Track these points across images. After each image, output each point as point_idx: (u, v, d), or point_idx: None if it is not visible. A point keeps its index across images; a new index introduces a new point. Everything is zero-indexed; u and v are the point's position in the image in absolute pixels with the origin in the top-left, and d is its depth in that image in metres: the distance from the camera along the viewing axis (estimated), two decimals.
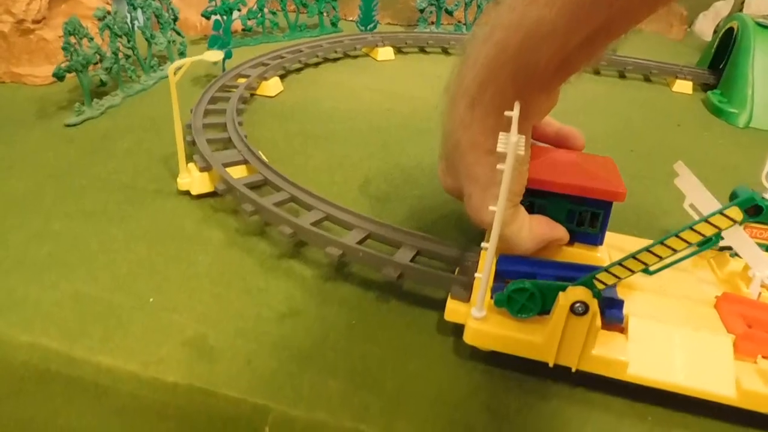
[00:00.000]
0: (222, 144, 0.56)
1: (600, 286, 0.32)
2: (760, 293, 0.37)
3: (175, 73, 0.47)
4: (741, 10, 1.21)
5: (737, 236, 0.30)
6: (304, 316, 0.39)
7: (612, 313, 0.34)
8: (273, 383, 0.33)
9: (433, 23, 1.09)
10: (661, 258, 0.30)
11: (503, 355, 0.34)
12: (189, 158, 0.51)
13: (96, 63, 0.66)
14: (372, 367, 0.35)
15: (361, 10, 1.04)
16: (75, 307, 0.38)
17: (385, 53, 0.95)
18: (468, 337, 0.34)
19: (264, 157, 0.54)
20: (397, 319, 0.39)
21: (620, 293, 0.34)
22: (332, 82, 0.84)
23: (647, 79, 0.97)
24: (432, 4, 1.06)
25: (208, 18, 0.80)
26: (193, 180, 0.50)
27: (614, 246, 0.41)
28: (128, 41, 0.71)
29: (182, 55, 0.82)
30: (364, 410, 0.32)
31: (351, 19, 1.13)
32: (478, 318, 0.34)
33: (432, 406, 0.33)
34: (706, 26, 1.31)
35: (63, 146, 0.59)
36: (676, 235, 0.29)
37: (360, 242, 0.42)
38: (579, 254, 0.38)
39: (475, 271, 0.36)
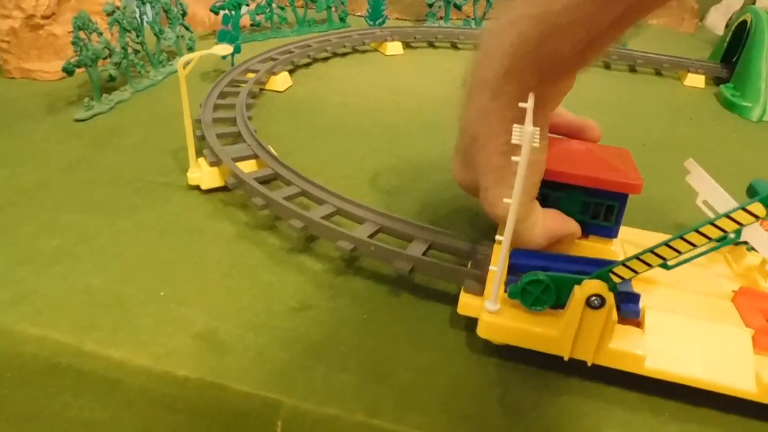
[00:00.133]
0: (231, 138, 0.56)
1: (616, 280, 0.31)
2: None
3: (184, 67, 0.47)
4: (754, 2, 1.20)
5: (754, 231, 0.30)
6: (315, 309, 0.38)
7: (628, 306, 0.33)
8: (284, 377, 0.33)
9: (441, 18, 1.08)
10: (679, 252, 0.30)
11: (517, 349, 0.34)
12: (198, 153, 0.51)
13: (105, 58, 0.66)
14: (384, 361, 0.34)
15: (369, 4, 1.03)
16: (85, 300, 0.38)
17: (394, 48, 0.95)
18: (481, 331, 0.34)
19: (274, 152, 0.54)
20: (409, 313, 0.39)
21: (636, 288, 0.34)
22: (341, 77, 0.83)
23: (658, 73, 0.96)
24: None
25: (216, 13, 0.80)
26: (203, 174, 0.50)
27: (628, 240, 0.40)
28: (137, 36, 0.71)
29: (191, 50, 0.82)
30: (376, 404, 0.32)
31: (359, 14, 1.13)
32: (492, 311, 0.33)
33: (445, 400, 0.32)
34: (717, 20, 1.30)
35: (72, 140, 0.59)
36: (696, 230, 0.29)
37: (371, 236, 0.41)
38: (593, 247, 0.38)
39: (488, 265, 0.36)
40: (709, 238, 0.29)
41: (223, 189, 0.50)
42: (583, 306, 0.31)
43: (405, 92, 0.79)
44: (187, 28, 0.81)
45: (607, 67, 0.96)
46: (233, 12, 0.80)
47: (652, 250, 0.30)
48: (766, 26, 0.84)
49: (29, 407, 0.36)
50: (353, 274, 0.42)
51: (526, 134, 0.28)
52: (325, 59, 0.89)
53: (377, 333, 0.37)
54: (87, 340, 0.35)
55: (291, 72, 0.80)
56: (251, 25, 0.96)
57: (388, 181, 0.55)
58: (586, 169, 0.35)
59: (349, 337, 0.36)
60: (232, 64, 0.76)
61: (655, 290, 0.36)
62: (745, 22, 0.89)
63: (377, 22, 1.04)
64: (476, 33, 1.02)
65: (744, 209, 0.28)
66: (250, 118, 0.60)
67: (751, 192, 0.42)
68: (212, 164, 0.50)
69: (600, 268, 0.31)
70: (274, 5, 0.96)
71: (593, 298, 0.31)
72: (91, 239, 0.43)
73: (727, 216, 0.28)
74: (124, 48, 0.68)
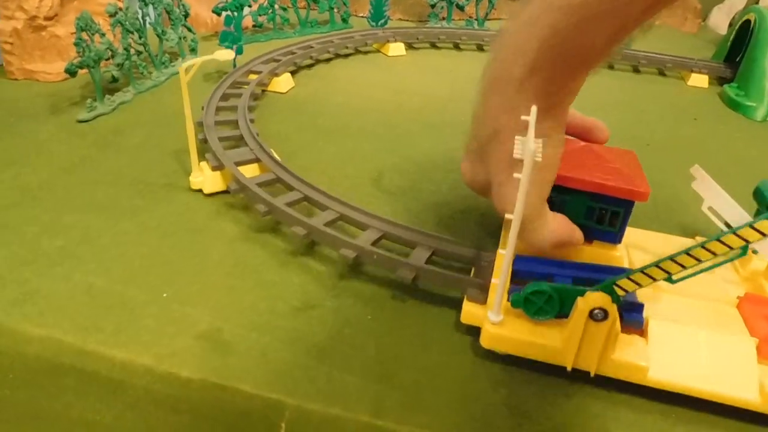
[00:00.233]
0: (234, 141, 0.56)
1: (620, 293, 0.31)
2: None
3: (186, 73, 0.47)
4: (758, 1, 1.19)
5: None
6: (319, 309, 0.38)
7: (631, 316, 0.33)
8: (288, 377, 0.33)
9: (444, 18, 1.08)
10: (684, 267, 0.29)
11: None
12: (201, 156, 0.51)
13: (108, 59, 0.66)
14: (389, 362, 0.34)
15: (372, 5, 1.03)
16: (88, 300, 0.37)
17: (396, 49, 0.95)
18: (485, 341, 0.34)
19: (276, 156, 0.53)
20: (413, 313, 0.38)
21: (640, 293, 0.33)
22: (343, 78, 0.83)
23: (662, 73, 0.96)
24: (443, 0, 1.06)
25: (219, 14, 0.80)
26: (206, 179, 0.50)
27: (632, 243, 0.40)
28: (140, 37, 0.71)
29: (193, 51, 0.82)
30: (381, 404, 0.31)
31: (362, 15, 1.13)
32: (495, 323, 0.33)
33: (450, 401, 0.32)
34: (720, 20, 1.30)
35: (75, 141, 0.59)
36: (703, 246, 0.29)
37: (374, 243, 0.41)
38: (597, 253, 0.37)
39: (491, 272, 0.36)
40: (716, 254, 0.29)
41: (225, 192, 0.50)
42: (586, 318, 0.31)
43: (407, 92, 0.79)
44: (189, 29, 0.81)
45: (610, 67, 0.96)
46: (235, 13, 0.80)
47: (657, 265, 0.30)
48: None
49: (32, 407, 0.36)
50: (357, 274, 0.42)
51: (527, 149, 0.27)
52: (328, 60, 0.89)
53: (382, 333, 0.36)
54: (90, 341, 0.34)
55: (293, 73, 0.80)
56: (253, 26, 0.96)
57: (391, 181, 0.55)
58: (593, 174, 0.35)
59: (353, 337, 0.36)
60: (234, 66, 0.76)
61: (658, 296, 0.36)
62: (748, 21, 0.89)
63: (379, 23, 1.04)
64: (479, 33, 1.02)
65: (752, 227, 0.28)
66: (252, 120, 0.60)
67: (758, 195, 0.41)
68: (215, 168, 0.50)
69: (605, 276, 0.31)
70: (276, 6, 0.96)
71: (596, 311, 0.30)
72: (94, 240, 0.43)
73: (735, 233, 0.28)
74: (126, 49, 0.68)
